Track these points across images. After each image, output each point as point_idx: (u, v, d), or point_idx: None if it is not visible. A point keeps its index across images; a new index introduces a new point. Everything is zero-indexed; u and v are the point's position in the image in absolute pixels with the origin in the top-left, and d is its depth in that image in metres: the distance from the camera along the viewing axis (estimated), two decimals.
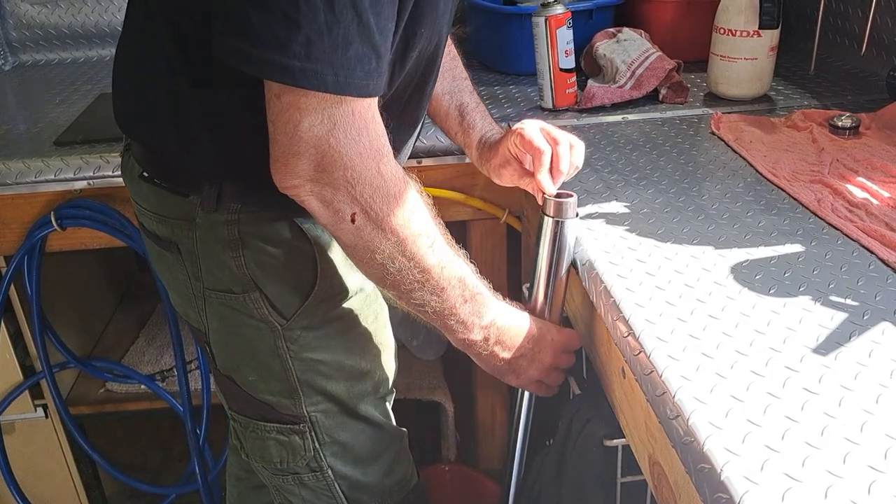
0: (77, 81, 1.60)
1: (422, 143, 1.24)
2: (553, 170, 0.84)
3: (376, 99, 0.67)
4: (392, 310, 1.58)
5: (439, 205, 1.30)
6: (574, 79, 1.27)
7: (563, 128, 1.21)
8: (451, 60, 1.02)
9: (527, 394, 0.93)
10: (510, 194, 1.29)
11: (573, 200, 0.82)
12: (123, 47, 0.81)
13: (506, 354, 0.82)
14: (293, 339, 0.81)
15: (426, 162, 1.26)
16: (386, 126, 0.70)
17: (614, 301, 0.74)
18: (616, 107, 1.27)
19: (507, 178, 0.94)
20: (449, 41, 0.98)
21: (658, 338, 0.67)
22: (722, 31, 1.23)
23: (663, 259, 0.80)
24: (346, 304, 0.84)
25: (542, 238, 0.83)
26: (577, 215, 0.83)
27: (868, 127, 1.09)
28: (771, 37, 1.20)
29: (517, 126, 0.88)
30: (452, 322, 0.77)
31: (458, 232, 1.42)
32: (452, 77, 1.02)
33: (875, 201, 0.89)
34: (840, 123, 1.08)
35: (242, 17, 0.60)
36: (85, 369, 1.40)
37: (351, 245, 0.72)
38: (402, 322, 1.57)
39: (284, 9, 0.58)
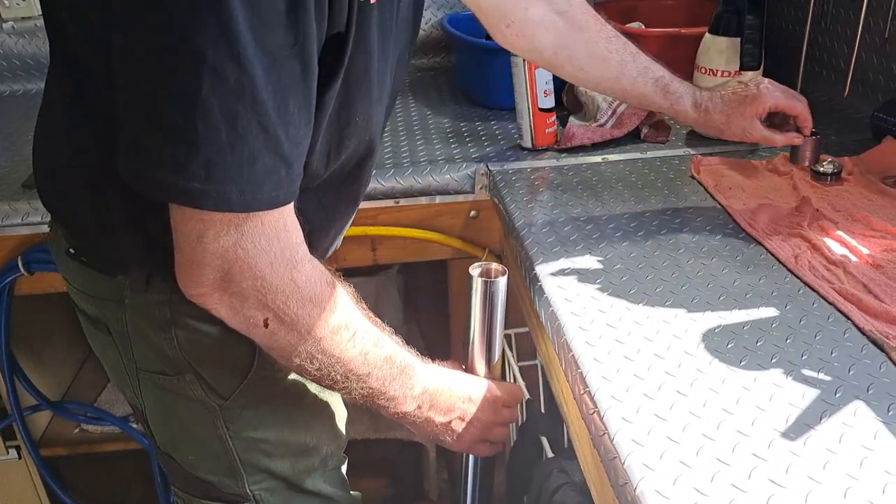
0: None
1: (399, 183, 1.22)
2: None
3: (290, 204, 0.64)
4: None
5: (418, 245, 1.30)
6: (554, 118, 1.25)
7: (542, 169, 1.20)
8: (617, 42, 1.01)
9: (471, 459, 0.91)
10: (490, 233, 1.27)
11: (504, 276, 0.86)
12: (43, 122, 0.77)
13: (441, 418, 0.81)
14: (233, 419, 0.78)
15: (403, 202, 1.24)
16: (319, 206, 0.67)
17: (581, 373, 0.72)
18: (597, 146, 1.25)
19: (757, 135, 1.01)
20: (597, 22, 1.01)
21: (623, 418, 0.65)
22: (703, 70, 1.21)
23: (633, 324, 0.78)
24: (288, 380, 0.80)
25: (473, 297, 0.85)
26: (506, 273, 0.85)
27: (850, 172, 1.07)
28: (753, 77, 1.18)
29: (769, 94, 1.00)
30: (382, 401, 0.76)
31: (438, 272, 1.41)
32: (633, 59, 1.01)
33: (854, 258, 0.86)
34: (822, 169, 1.06)
35: (139, 138, 0.57)
36: (57, 412, 1.38)
37: (267, 347, 0.70)
38: None
39: (181, 129, 0.55)
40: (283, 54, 0.56)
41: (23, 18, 1.67)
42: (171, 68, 0.54)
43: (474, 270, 0.84)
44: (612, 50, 1.01)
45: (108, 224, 0.72)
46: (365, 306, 0.76)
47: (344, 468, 0.93)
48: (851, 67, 1.24)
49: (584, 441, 0.73)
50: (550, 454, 0.89)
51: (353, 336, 0.71)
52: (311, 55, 0.58)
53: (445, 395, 0.81)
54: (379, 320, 0.77)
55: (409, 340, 1.82)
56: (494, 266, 0.85)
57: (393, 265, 1.51)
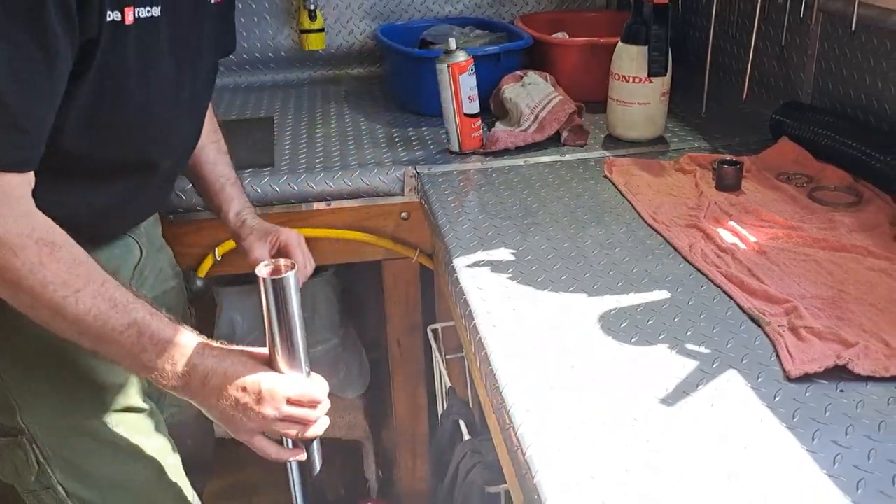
0: None
1: (328, 185, 1.26)
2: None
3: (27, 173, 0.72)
4: (314, 348, 1.57)
5: (351, 246, 1.34)
6: (479, 123, 1.31)
7: (468, 171, 1.26)
8: (214, 133, 1.12)
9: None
10: (421, 233, 1.32)
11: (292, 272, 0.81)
12: None
13: (213, 401, 0.79)
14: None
15: (335, 204, 1.28)
16: (95, 192, 0.83)
17: (486, 353, 0.77)
18: (520, 149, 1.31)
19: (256, 254, 1.05)
20: (211, 112, 1.09)
21: (520, 392, 0.70)
22: (617, 76, 1.29)
23: (538, 309, 0.83)
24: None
25: (262, 296, 0.79)
26: (293, 268, 0.80)
27: (749, 170, 1.15)
28: (661, 83, 1.26)
29: (284, 237, 1.06)
30: (138, 370, 0.77)
31: (373, 272, 1.46)
32: (217, 150, 1.11)
33: (743, 246, 0.94)
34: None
35: None
36: None
37: None
38: (322, 360, 1.58)
39: None
40: (25, 44, 0.68)
41: None
42: None
43: (261, 270, 0.78)
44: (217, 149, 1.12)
45: None
46: (122, 278, 0.78)
47: (153, 419, 0.95)
48: (748, 73, 1.33)
49: (491, 416, 0.78)
50: (467, 437, 0.94)
51: (75, 293, 0.73)
52: (56, 50, 0.70)
53: (219, 378, 0.78)
54: (144, 294, 0.79)
55: (347, 341, 1.83)
56: (283, 262, 0.79)
57: (328, 267, 1.54)
